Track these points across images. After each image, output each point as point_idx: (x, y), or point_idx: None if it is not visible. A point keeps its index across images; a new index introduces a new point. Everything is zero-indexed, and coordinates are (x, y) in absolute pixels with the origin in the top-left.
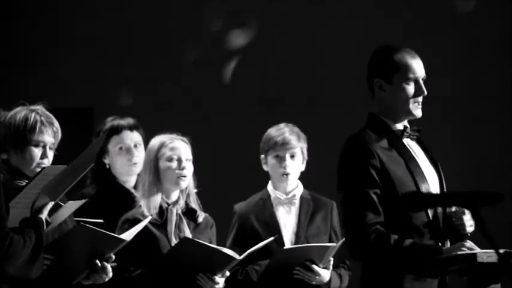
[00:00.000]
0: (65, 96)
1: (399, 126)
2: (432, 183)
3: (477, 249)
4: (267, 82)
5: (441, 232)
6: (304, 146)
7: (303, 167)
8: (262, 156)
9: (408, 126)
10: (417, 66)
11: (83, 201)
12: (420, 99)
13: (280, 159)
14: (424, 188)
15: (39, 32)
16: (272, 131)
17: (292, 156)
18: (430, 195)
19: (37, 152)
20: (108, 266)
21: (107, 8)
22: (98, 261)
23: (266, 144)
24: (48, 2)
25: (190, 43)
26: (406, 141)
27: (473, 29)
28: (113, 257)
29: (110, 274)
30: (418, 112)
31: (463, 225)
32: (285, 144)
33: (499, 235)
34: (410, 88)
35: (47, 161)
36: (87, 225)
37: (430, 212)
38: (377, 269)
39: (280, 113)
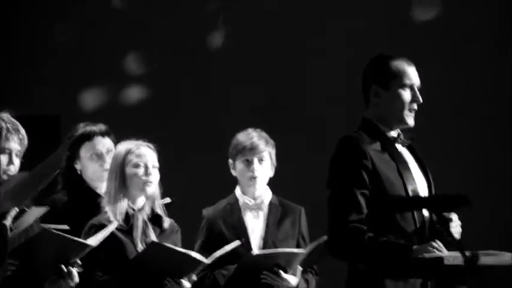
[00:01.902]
0: (31, 104)
1: (393, 133)
2: (421, 189)
3: (444, 251)
4: (236, 87)
5: (427, 238)
6: (273, 151)
7: (271, 173)
8: (231, 161)
9: (401, 133)
10: (413, 74)
11: (46, 208)
12: (415, 106)
13: (249, 163)
14: (411, 192)
15: (4, 39)
16: (240, 136)
17: (260, 161)
18: (398, 198)
19: (3, 159)
20: (74, 272)
21: (73, 15)
22: (63, 266)
23: (234, 149)
24: (12, 10)
25: (159, 48)
26: (399, 147)
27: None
28: (79, 262)
29: (76, 279)
30: (410, 121)
31: (449, 232)
32: (253, 149)
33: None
34: (407, 94)
35: (14, 168)
36: (52, 230)
37: (417, 218)
38: (361, 269)
39: (250, 117)
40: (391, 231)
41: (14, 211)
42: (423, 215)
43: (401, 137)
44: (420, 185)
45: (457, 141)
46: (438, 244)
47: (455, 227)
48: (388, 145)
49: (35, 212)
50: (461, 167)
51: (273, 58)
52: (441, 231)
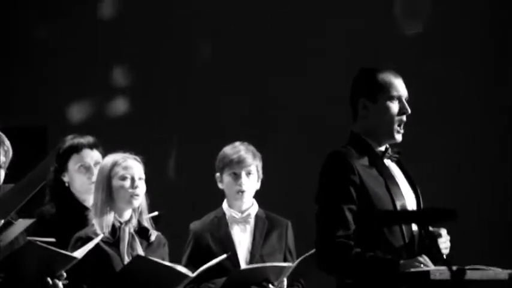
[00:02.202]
0: (17, 115)
1: (381, 148)
2: (410, 204)
3: (431, 266)
4: (222, 99)
5: (416, 253)
6: (259, 164)
7: (258, 185)
8: (218, 174)
9: (389, 147)
10: (400, 85)
11: (33, 220)
12: (404, 118)
13: (236, 176)
14: (400, 207)
15: None
16: (227, 150)
17: (248, 174)
18: (384, 212)
19: None
20: (60, 284)
21: (60, 26)
22: (49, 278)
23: (221, 162)
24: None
25: (145, 58)
26: (387, 162)
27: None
28: (64, 274)
29: None
30: (398, 137)
31: (437, 247)
32: (240, 162)
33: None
34: (395, 106)
35: None
36: (38, 242)
37: (405, 233)
38: (349, 284)
39: (236, 130)
40: (379, 246)
41: (0, 223)
42: (412, 230)
43: (389, 151)
44: (409, 200)
45: (450, 149)
46: (425, 259)
47: (445, 242)
48: (376, 160)
49: (21, 224)
50: (452, 179)
51: (271, 58)
52: (430, 246)
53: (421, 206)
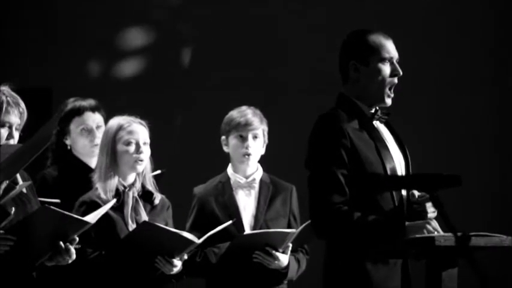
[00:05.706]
0: (22, 77)
1: (370, 110)
2: (399, 166)
3: (440, 231)
4: (227, 65)
5: (405, 217)
6: (266, 128)
7: (263, 150)
8: (223, 137)
9: (379, 109)
10: (391, 47)
11: (29, 182)
12: (395, 80)
13: (243, 139)
14: (389, 171)
15: None
16: (234, 113)
17: (254, 137)
18: (388, 177)
19: (3, 132)
20: (72, 248)
21: None
22: (61, 243)
23: (228, 125)
24: None
25: (153, 20)
26: (376, 123)
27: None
28: (77, 239)
29: (74, 256)
30: (388, 100)
31: (424, 211)
32: (247, 125)
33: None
34: (386, 68)
35: (13, 142)
36: (52, 206)
37: (395, 197)
38: (340, 252)
39: (241, 96)
40: (370, 210)
41: (4, 184)
42: (401, 194)
43: (379, 113)
44: (398, 163)
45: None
46: (435, 224)
47: (430, 207)
48: (366, 123)
49: (21, 186)
50: (452, 146)
51: (271, 35)
52: (419, 211)
53: (410, 169)
